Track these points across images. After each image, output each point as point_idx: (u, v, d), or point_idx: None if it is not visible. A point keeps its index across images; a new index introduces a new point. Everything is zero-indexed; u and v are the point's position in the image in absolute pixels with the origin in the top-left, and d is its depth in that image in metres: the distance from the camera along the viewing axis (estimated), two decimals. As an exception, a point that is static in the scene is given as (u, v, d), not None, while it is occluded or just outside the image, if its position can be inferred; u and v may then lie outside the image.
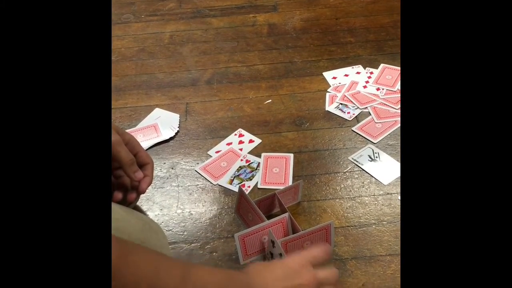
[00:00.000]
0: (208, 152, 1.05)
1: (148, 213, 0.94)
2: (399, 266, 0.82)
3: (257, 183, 0.98)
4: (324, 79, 1.22)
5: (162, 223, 0.91)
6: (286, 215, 0.84)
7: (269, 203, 0.90)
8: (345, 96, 1.16)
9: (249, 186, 0.97)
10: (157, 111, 1.16)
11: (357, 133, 1.07)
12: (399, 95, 1.15)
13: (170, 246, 0.87)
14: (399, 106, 1.12)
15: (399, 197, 0.93)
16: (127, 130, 1.10)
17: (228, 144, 1.07)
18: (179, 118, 1.13)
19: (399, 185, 0.95)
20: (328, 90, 1.19)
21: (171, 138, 1.09)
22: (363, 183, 0.97)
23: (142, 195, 0.90)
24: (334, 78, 1.22)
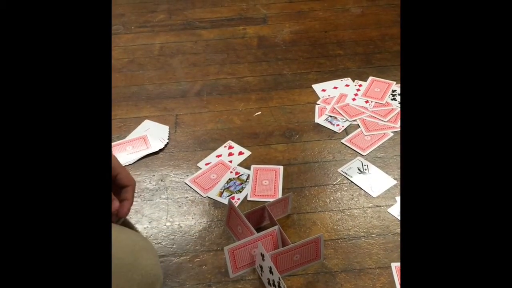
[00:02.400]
0: (198, 164, 1.05)
1: (137, 226, 0.93)
2: (389, 279, 0.82)
3: (246, 195, 0.97)
4: (314, 91, 1.23)
5: (151, 236, 0.91)
6: (276, 228, 0.84)
7: (259, 215, 0.90)
8: (334, 108, 1.17)
9: (238, 199, 0.97)
10: (147, 123, 1.16)
11: (346, 146, 1.07)
12: (388, 107, 1.16)
13: (159, 260, 0.86)
14: (388, 118, 1.13)
15: (388, 210, 0.94)
16: (116, 142, 1.10)
17: (218, 156, 1.07)
18: (168, 130, 1.13)
19: (388, 197, 0.96)
20: (318, 102, 1.20)
21: (160, 150, 1.09)
22: (352, 195, 0.97)
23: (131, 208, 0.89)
24: (324, 90, 1.23)
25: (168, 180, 1.02)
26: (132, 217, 0.94)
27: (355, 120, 1.14)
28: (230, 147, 1.08)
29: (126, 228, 0.78)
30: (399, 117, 1.14)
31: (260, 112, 1.18)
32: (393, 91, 1.21)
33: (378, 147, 1.07)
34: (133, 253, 0.69)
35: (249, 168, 1.03)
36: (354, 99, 1.19)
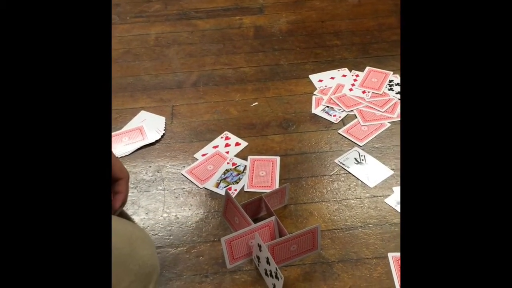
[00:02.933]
0: (194, 155, 1.05)
1: (133, 217, 0.93)
2: (385, 269, 0.82)
3: (243, 186, 0.97)
4: (310, 81, 1.22)
5: (148, 227, 0.91)
6: (272, 218, 0.84)
7: (255, 206, 0.89)
8: (331, 99, 1.16)
9: (235, 189, 0.97)
10: (143, 114, 1.15)
11: (344, 136, 1.07)
12: (385, 97, 1.16)
13: (156, 251, 0.86)
14: (385, 108, 1.13)
15: (385, 200, 0.94)
16: (112, 133, 1.09)
17: (215, 147, 1.06)
18: (165, 121, 1.13)
19: (385, 187, 0.96)
20: (314, 93, 1.19)
21: (156, 141, 1.08)
22: (349, 186, 0.97)
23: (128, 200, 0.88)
24: (320, 81, 1.22)
25: (165, 171, 1.02)
26: (128, 209, 0.94)
27: (352, 110, 1.13)
28: (227, 138, 1.08)
29: (123, 219, 0.78)
30: (396, 107, 1.13)
31: (256, 103, 1.17)
32: (390, 81, 1.20)
33: (375, 137, 1.07)
34: (130, 243, 0.69)
35: (246, 159, 1.03)
36: (351, 90, 1.19)
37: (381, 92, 1.17)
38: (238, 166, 1.01)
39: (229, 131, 1.10)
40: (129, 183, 0.86)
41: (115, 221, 0.73)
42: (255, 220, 0.86)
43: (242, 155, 1.04)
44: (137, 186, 0.98)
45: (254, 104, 1.17)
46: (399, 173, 0.98)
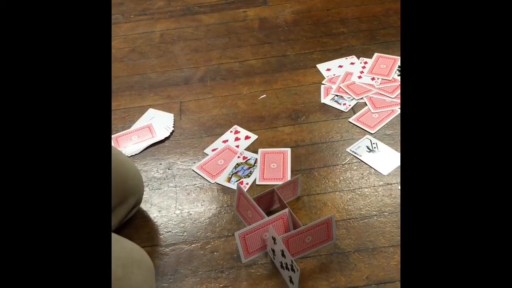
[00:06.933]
0: (205, 151, 1.04)
1: (146, 215, 0.92)
2: (403, 257, 0.81)
3: (255, 179, 0.96)
4: (318, 71, 1.21)
5: (161, 225, 0.90)
6: (286, 210, 0.83)
7: (268, 199, 0.89)
8: (340, 87, 1.15)
9: (247, 183, 0.96)
10: (151, 112, 1.14)
11: (354, 124, 1.06)
12: (395, 83, 1.14)
13: (170, 248, 0.86)
14: (395, 95, 1.11)
15: (399, 187, 0.92)
16: (121, 132, 1.09)
17: (224, 141, 1.05)
18: (173, 118, 1.12)
19: (399, 175, 0.94)
20: (323, 82, 1.18)
21: (166, 138, 1.07)
22: (362, 174, 0.96)
23: (139, 198, 0.88)
24: (328, 70, 1.21)
25: (175, 168, 1.01)
26: (141, 207, 0.94)
27: (362, 98, 1.12)
28: (236, 132, 1.07)
29: (122, 238, 0.73)
30: (407, 92, 1.12)
31: (265, 95, 1.16)
32: (400, 66, 1.19)
33: (386, 124, 1.05)
34: (124, 267, 0.66)
35: (256, 152, 1.02)
36: (360, 77, 1.17)
37: (390, 78, 1.16)
38: (249, 159, 1.00)
39: (238, 125, 1.09)
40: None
41: (112, 241, 0.71)
42: (268, 213, 0.85)
43: (253, 148, 1.03)
44: (148, 184, 0.98)
45: (262, 96, 1.16)
46: (412, 159, 0.97)
